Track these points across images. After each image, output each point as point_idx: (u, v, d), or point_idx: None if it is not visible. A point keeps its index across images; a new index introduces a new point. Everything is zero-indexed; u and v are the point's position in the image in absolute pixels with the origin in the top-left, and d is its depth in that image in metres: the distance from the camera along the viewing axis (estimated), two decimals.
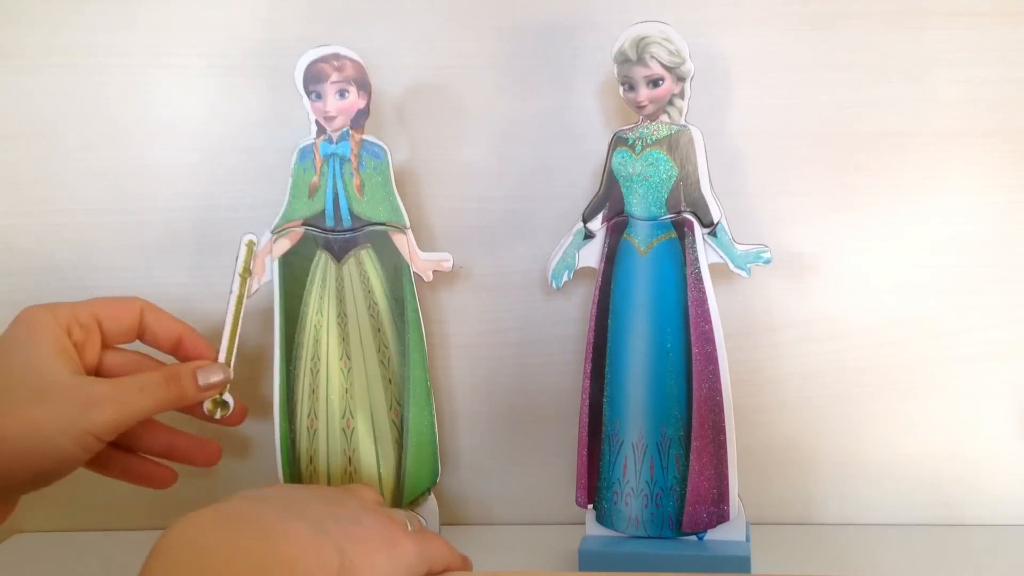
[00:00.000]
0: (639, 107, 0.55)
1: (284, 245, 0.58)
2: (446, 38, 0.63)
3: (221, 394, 0.56)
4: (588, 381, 0.58)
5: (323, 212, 0.58)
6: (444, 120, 0.63)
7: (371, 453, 0.59)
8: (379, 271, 0.59)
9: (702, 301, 0.55)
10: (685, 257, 0.56)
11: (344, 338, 0.59)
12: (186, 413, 0.57)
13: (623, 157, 0.56)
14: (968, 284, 0.62)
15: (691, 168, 0.55)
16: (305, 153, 0.58)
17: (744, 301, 0.63)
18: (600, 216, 0.58)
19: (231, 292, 0.57)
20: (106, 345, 0.55)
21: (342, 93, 0.56)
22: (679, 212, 0.56)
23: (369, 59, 0.56)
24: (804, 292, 0.63)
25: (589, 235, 0.58)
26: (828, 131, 0.61)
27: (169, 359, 0.56)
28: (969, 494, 0.63)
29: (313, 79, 0.56)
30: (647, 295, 0.56)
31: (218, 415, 0.56)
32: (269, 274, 0.58)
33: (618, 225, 0.57)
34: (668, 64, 0.54)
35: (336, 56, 0.56)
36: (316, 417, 0.58)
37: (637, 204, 0.56)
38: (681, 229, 0.56)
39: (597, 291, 0.58)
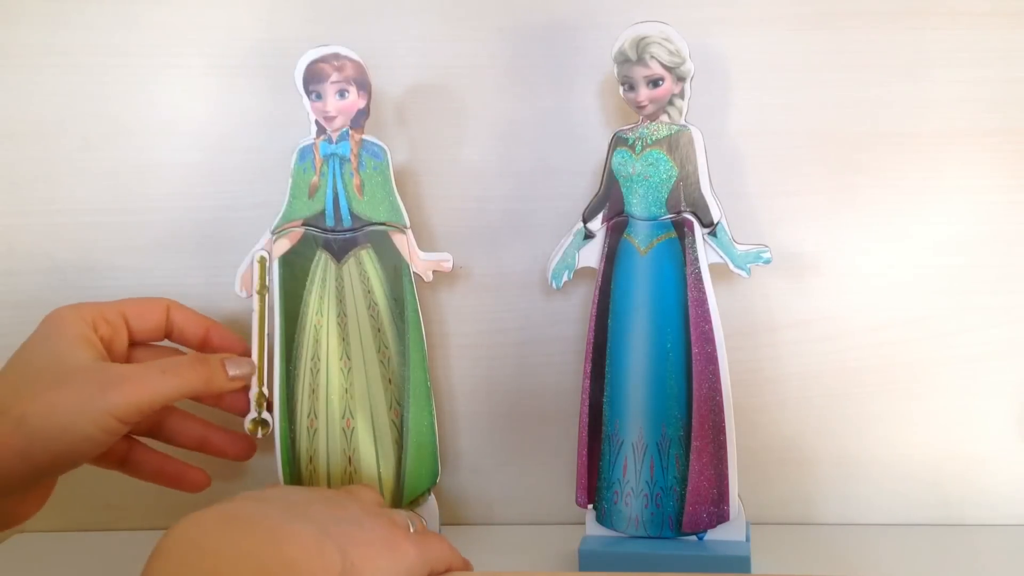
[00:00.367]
0: (639, 107, 0.55)
1: (284, 245, 0.58)
2: (446, 38, 0.63)
3: (260, 413, 0.57)
4: (588, 381, 0.58)
5: (323, 212, 0.58)
6: (444, 120, 0.63)
7: (371, 453, 0.59)
8: (379, 271, 0.59)
9: (702, 301, 0.55)
10: (685, 257, 0.56)
11: (344, 338, 0.59)
12: (213, 405, 0.58)
13: (623, 157, 0.56)
14: (968, 284, 0.62)
15: (691, 168, 0.55)
16: (305, 153, 0.58)
17: (744, 301, 0.63)
18: (600, 216, 0.58)
19: (252, 311, 0.58)
20: (134, 342, 0.55)
21: (342, 93, 0.56)
22: (679, 212, 0.56)
23: (369, 59, 0.56)
24: (804, 292, 0.63)
25: (589, 235, 0.58)
26: (828, 131, 0.61)
27: None
28: (969, 494, 0.63)
29: (313, 79, 0.56)
30: (647, 295, 0.56)
31: (259, 434, 0.58)
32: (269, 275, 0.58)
33: (618, 225, 0.57)
34: (668, 64, 0.54)
35: (336, 56, 0.56)
36: (316, 417, 0.58)
37: (637, 204, 0.56)
38: (681, 229, 0.56)
39: (597, 291, 0.58)
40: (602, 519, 0.58)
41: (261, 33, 0.63)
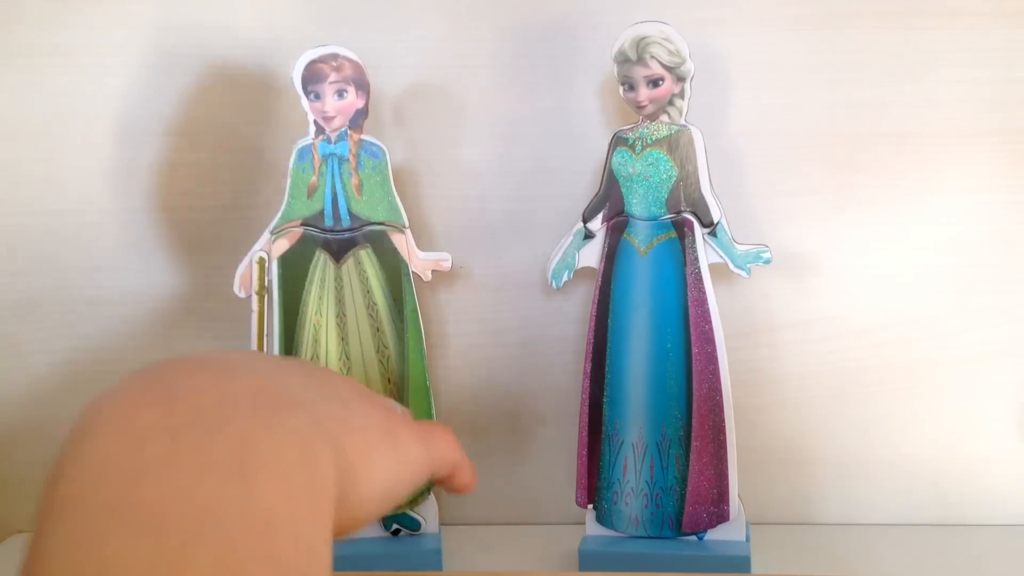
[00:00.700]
0: (639, 107, 0.55)
1: (283, 245, 0.58)
2: (446, 38, 0.63)
3: None
4: (588, 381, 0.58)
5: (322, 212, 0.58)
6: (443, 120, 0.63)
7: None
8: (378, 271, 0.59)
9: (702, 301, 0.55)
10: (685, 257, 0.56)
11: (343, 338, 0.59)
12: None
13: (623, 157, 0.56)
14: (968, 284, 0.62)
15: (691, 168, 0.55)
16: (304, 153, 0.58)
17: (744, 301, 0.63)
18: (600, 216, 0.58)
19: (251, 311, 0.58)
20: None
21: (340, 93, 0.56)
22: (679, 212, 0.56)
23: (368, 59, 0.56)
24: (804, 292, 0.63)
25: (589, 235, 0.58)
26: (828, 131, 0.61)
27: None
28: (969, 494, 0.63)
29: (311, 79, 0.56)
30: (647, 295, 0.56)
31: None
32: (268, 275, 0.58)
33: (618, 225, 0.57)
34: (668, 64, 0.54)
35: (334, 56, 0.56)
36: None
37: (637, 204, 0.56)
38: (681, 229, 0.56)
39: (597, 291, 0.58)
40: (602, 519, 0.58)
41: (260, 33, 0.63)
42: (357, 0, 0.63)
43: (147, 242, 0.66)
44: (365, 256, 0.59)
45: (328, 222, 0.58)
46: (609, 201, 0.57)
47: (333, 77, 0.56)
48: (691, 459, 0.56)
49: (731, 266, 0.55)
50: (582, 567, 0.56)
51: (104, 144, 0.65)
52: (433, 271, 0.58)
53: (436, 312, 0.65)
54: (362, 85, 0.56)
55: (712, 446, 0.56)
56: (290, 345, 0.59)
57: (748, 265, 0.55)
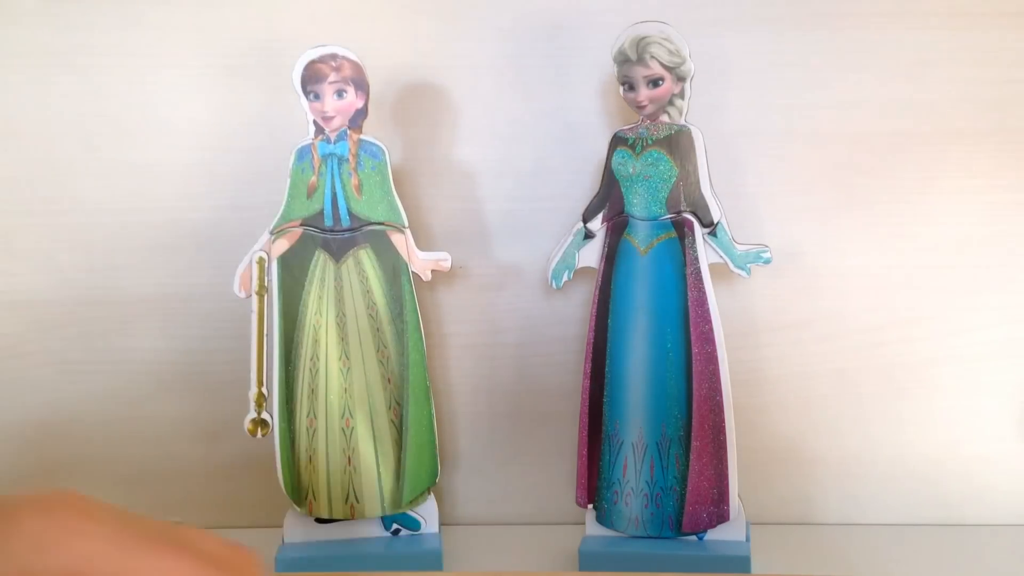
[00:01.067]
0: (639, 107, 0.55)
1: (283, 245, 0.58)
2: (446, 38, 0.63)
3: (260, 413, 0.57)
4: (588, 381, 0.58)
5: (321, 212, 0.58)
6: (444, 120, 0.63)
7: (370, 453, 0.59)
8: (378, 271, 0.59)
9: (702, 301, 0.55)
10: (685, 257, 0.56)
11: (343, 338, 0.59)
12: None
13: (623, 157, 0.56)
14: (968, 284, 0.62)
15: (691, 168, 0.55)
16: (303, 153, 0.58)
17: (744, 301, 0.63)
18: (600, 216, 0.58)
19: (251, 311, 0.58)
20: None
21: (340, 93, 0.56)
22: (679, 212, 0.56)
23: (368, 59, 0.56)
24: (804, 292, 0.62)
25: (589, 235, 0.58)
26: (828, 131, 0.61)
27: None
28: (969, 494, 0.63)
29: (311, 79, 0.56)
30: (647, 295, 0.56)
31: (259, 435, 0.58)
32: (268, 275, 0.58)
33: (618, 225, 0.57)
34: (668, 64, 0.54)
35: (334, 56, 0.56)
36: (315, 417, 0.58)
37: (637, 204, 0.56)
38: (681, 229, 0.56)
39: (597, 291, 0.58)
40: (602, 519, 0.58)
41: (260, 33, 0.63)
42: (358, 0, 0.63)
43: (147, 242, 0.66)
44: (365, 256, 0.58)
45: (328, 222, 0.58)
46: (609, 201, 0.57)
47: (333, 77, 0.56)
48: (691, 459, 0.55)
49: (731, 266, 0.55)
50: (582, 567, 0.56)
51: (104, 144, 0.65)
52: (433, 271, 0.58)
53: (436, 312, 0.65)
54: (362, 85, 0.56)
55: (712, 446, 0.56)
56: (289, 345, 0.59)
57: (748, 265, 0.55)
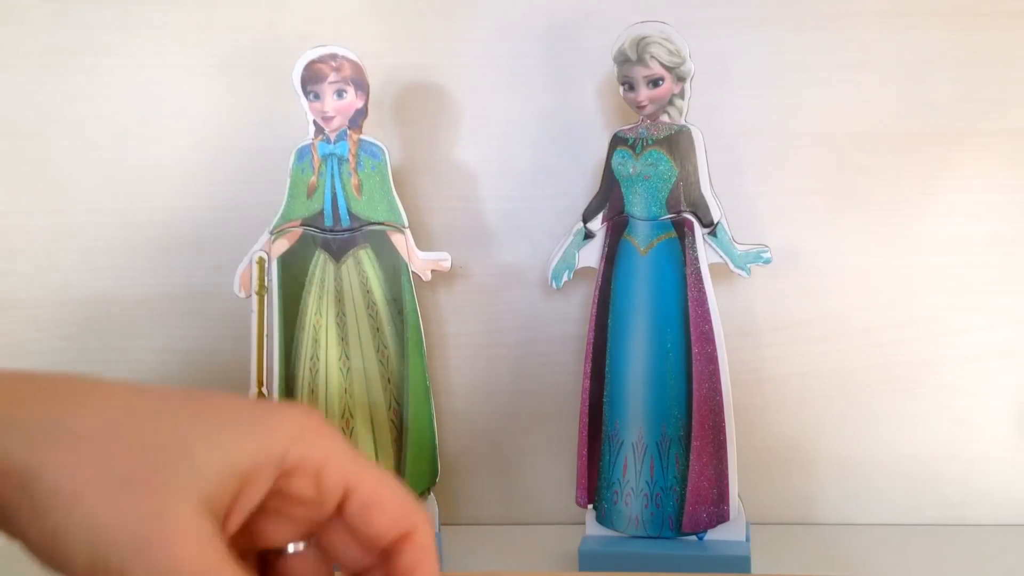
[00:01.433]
0: (639, 107, 0.55)
1: (283, 245, 0.58)
2: (446, 38, 0.63)
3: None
4: (588, 381, 0.58)
5: (321, 212, 0.58)
6: (443, 120, 0.63)
7: (370, 452, 0.59)
8: (378, 271, 0.59)
9: (702, 301, 0.55)
10: (685, 257, 0.56)
11: (343, 338, 0.59)
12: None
13: (623, 157, 0.56)
14: (968, 284, 0.62)
15: (691, 168, 0.55)
16: (303, 153, 0.58)
17: (744, 301, 0.63)
18: (600, 216, 0.58)
19: (251, 311, 0.57)
20: None
21: (340, 93, 0.56)
22: (679, 212, 0.56)
23: (368, 59, 0.56)
24: (804, 292, 0.62)
25: (589, 235, 0.58)
26: (828, 131, 0.61)
27: None
28: (969, 494, 0.63)
29: (311, 79, 0.56)
30: (647, 295, 0.56)
31: None
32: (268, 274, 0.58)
33: (618, 225, 0.57)
34: (668, 64, 0.54)
35: (334, 56, 0.56)
36: None
37: (637, 204, 0.56)
38: (681, 229, 0.56)
39: (597, 291, 0.58)
40: (602, 519, 0.58)
41: (260, 33, 0.63)
42: (358, 0, 0.63)
43: (147, 242, 0.66)
44: (365, 256, 0.58)
45: (328, 222, 0.58)
46: (609, 201, 0.57)
47: (332, 77, 0.56)
48: (691, 459, 0.55)
49: (731, 266, 0.55)
50: (582, 567, 0.56)
51: (104, 144, 0.65)
52: (433, 271, 0.58)
53: (436, 312, 0.65)
54: (361, 85, 0.56)
55: (712, 446, 0.56)
56: (289, 345, 0.59)
57: (748, 265, 0.55)
